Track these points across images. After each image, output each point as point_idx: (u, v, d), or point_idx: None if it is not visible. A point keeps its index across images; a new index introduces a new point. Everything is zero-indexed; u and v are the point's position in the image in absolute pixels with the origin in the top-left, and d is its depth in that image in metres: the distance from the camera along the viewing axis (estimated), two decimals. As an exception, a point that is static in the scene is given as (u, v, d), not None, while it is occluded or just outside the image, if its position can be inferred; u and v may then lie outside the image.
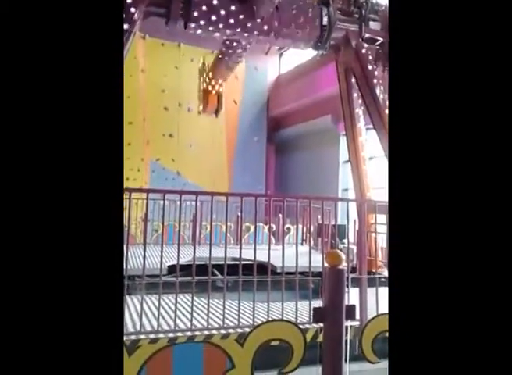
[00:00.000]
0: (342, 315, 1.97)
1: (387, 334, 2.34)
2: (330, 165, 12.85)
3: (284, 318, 2.85)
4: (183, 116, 12.60)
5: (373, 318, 2.34)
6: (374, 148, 9.21)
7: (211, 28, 6.86)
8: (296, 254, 3.66)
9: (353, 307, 2.07)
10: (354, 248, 6.82)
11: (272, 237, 8.46)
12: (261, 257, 3.84)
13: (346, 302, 2.17)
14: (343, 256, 2.14)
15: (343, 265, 2.07)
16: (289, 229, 8.57)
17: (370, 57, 7.68)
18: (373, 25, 7.88)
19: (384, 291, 4.15)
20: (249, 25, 6.94)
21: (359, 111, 7.81)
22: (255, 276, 3.43)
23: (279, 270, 4.37)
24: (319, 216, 7.57)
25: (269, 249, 3.75)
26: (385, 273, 5.78)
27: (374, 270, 6.11)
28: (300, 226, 8.47)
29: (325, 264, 2.06)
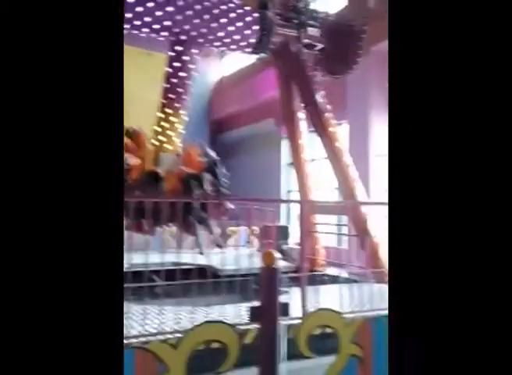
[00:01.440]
0: (276, 313, 1.99)
1: (324, 330, 2.40)
2: (273, 167, 13.01)
3: (225, 320, 2.82)
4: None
5: (309, 314, 2.38)
6: (315, 151, 9.48)
7: (149, 30, 6.73)
8: (235, 256, 3.65)
9: (286, 305, 2.09)
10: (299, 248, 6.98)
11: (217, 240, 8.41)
12: (204, 261, 3.81)
13: (284, 301, 2.20)
14: (278, 256, 2.16)
15: (277, 264, 2.09)
16: (233, 231, 8.56)
17: (310, 62, 7.88)
18: (312, 31, 8.10)
19: (327, 289, 4.26)
20: (187, 28, 6.87)
21: (300, 114, 7.98)
22: (194, 280, 3.38)
23: (221, 273, 4.35)
24: (263, 218, 7.68)
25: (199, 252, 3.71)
26: (328, 271, 5.94)
27: (318, 269, 6.27)
28: (244, 228, 8.51)
29: (261, 264, 2.08)
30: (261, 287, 2.04)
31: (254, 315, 2.03)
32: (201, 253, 6.51)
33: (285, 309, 2.08)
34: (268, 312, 1.98)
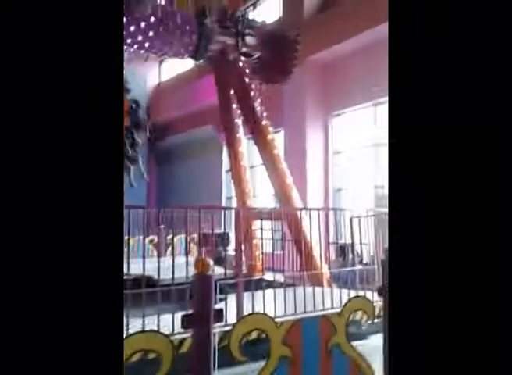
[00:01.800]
0: (210, 319, 2.02)
1: (260, 335, 2.45)
2: (214, 174, 13.01)
3: (161, 330, 2.81)
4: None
5: (240, 319, 2.43)
6: (254, 158, 9.63)
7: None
8: (172, 264, 3.64)
9: (220, 311, 2.13)
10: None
11: (154, 249, 8.23)
12: (140, 270, 3.73)
13: (218, 307, 2.23)
14: (211, 263, 2.20)
15: (211, 271, 2.13)
16: (171, 241, 8.44)
17: (247, 70, 8.02)
18: (249, 40, 8.26)
19: (263, 294, 4.34)
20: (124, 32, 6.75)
21: (238, 121, 8.08)
22: (128, 290, 3.32)
23: (158, 283, 4.28)
24: (203, 225, 7.65)
25: (144, 262, 3.65)
26: (266, 276, 6.04)
27: (256, 275, 6.36)
28: (182, 236, 8.41)
29: (195, 271, 2.10)
30: (195, 295, 2.06)
31: (187, 322, 2.04)
32: (132, 185, 6.92)
33: (219, 316, 2.11)
34: (201, 319, 2.00)
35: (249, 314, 2.39)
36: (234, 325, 2.15)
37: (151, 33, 6.93)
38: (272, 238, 8.05)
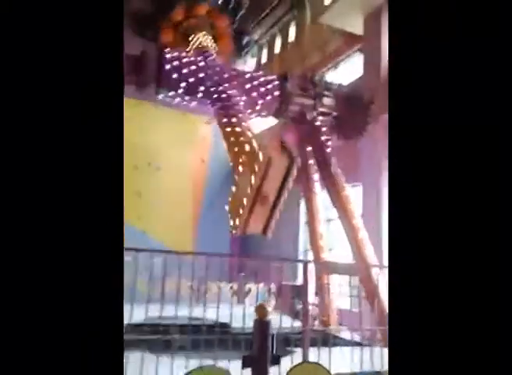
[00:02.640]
0: (266, 362, 2.23)
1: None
2: (291, 226, 13.19)
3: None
4: (152, 174, 12.88)
5: (294, 366, 2.58)
6: (331, 211, 9.73)
7: (178, 97, 7.54)
8: (243, 313, 3.86)
9: (277, 356, 2.33)
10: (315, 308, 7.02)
11: (234, 296, 8.54)
12: (217, 316, 4.00)
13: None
14: (270, 309, 2.42)
15: (269, 317, 2.35)
16: (250, 289, 8.72)
17: (324, 128, 8.43)
18: (327, 101, 8.74)
19: (331, 350, 4.34)
20: (213, 93, 7.61)
21: (315, 176, 8.39)
22: (204, 336, 3.56)
23: (233, 330, 4.51)
24: (280, 276, 7.83)
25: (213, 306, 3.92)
26: (337, 332, 5.96)
27: (329, 329, 6.30)
28: (260, 285, 8.64)
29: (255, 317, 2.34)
30: (254, 339, 2.29)
31: (246, 363, 2.27)
32: None
33: (275, 360, 2.31)
34: (259, 362, 2.23)
35: (302, 362, 2.52)
36: (289, 371, 2.31)
37: (239, 94, 7.76)
38: (349, 295, 7.95)
